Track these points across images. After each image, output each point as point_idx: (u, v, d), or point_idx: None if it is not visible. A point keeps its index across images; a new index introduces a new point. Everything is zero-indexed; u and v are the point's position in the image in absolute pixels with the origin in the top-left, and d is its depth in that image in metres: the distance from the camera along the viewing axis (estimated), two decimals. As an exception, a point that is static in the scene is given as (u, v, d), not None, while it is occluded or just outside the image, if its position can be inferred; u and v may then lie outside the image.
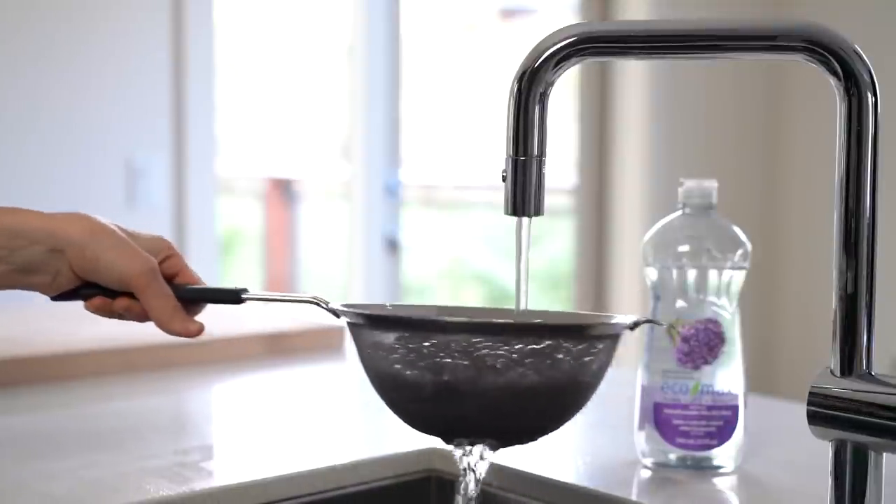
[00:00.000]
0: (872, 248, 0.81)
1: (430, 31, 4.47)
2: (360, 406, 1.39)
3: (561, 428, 0.88)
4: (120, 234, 0.95)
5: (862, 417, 0.80)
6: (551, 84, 0.86)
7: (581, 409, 0.88)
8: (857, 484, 0.82)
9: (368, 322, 0.86)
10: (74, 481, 1.00)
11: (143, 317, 0.97)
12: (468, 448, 0.88)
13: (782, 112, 3.53)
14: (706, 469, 1.05)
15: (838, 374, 0.82)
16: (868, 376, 0.81)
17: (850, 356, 0.82)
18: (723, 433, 1.04)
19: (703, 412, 1.04)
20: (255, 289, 0.99)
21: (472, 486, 0.88)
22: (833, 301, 0.82)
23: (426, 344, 0.82)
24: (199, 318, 0.99)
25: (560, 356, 0.83)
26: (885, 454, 0.82)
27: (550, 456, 1.12)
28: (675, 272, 1.04)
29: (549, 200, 0.89)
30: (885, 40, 3.12)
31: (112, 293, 0.96)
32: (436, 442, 1.12)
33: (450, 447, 0.89)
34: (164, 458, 1.08)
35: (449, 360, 0.82)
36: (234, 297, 0.98)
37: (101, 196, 2.76)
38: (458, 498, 0.89)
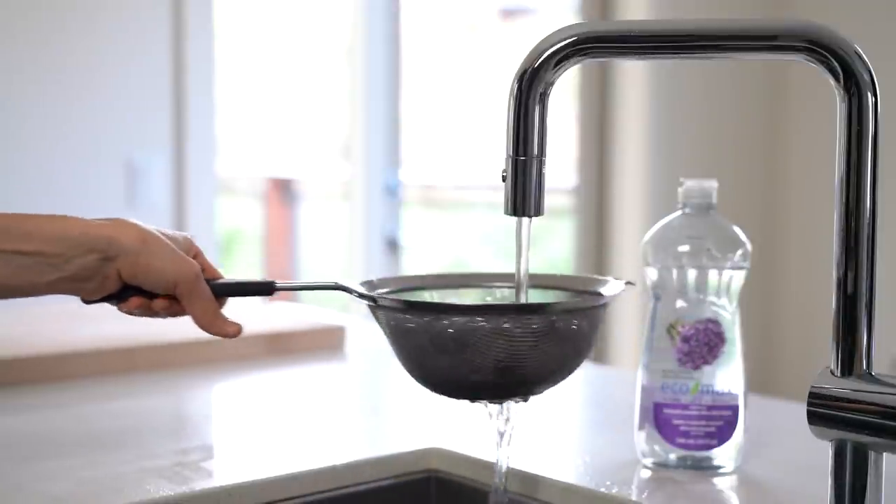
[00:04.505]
0: (872, 248, 0.81)
1: (430, 31, 4.47)
2: (360, 406, 1.39)
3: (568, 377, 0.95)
4: (166, 241, 0.98)
5: (862, 417, 0.80)
6: (551, 84, 0.86)
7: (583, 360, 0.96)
8: (857, 484, 0.82)
9: (397, 306, 0.93)
10: (74, 481, 1.00)
11: (179, 314, 1.00)
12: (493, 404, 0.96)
13: (782, 112, 3.53)
14: (706, 469, 1.05)
15: (838, 374, 0.82)
16: (868, 376, 0.81)
17: (850, 356, 0.82)
18: (723, 433, 1.04)
19: (703, 412, 1.04)
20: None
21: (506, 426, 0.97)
22: (833, 301, 0.82)
23: (448, 323, 0.89)
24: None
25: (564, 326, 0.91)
26: (885, 454, 0.82)
27: (550, 456, 1.12)
28: (675, 272, 1.04)
29: (549, 200, 0.89)
30: (885, 40, 3.12)
31: (150, 294, 0.98)
32: (436, 442, 1.12)
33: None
34: (164, 458, 1.08)
35: (471, 334, 0.89)
36: (266, 288, 1.00)
37: (101, 196, 2.76)
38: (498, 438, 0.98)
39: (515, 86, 0.86)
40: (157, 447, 1.13)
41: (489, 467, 1.07)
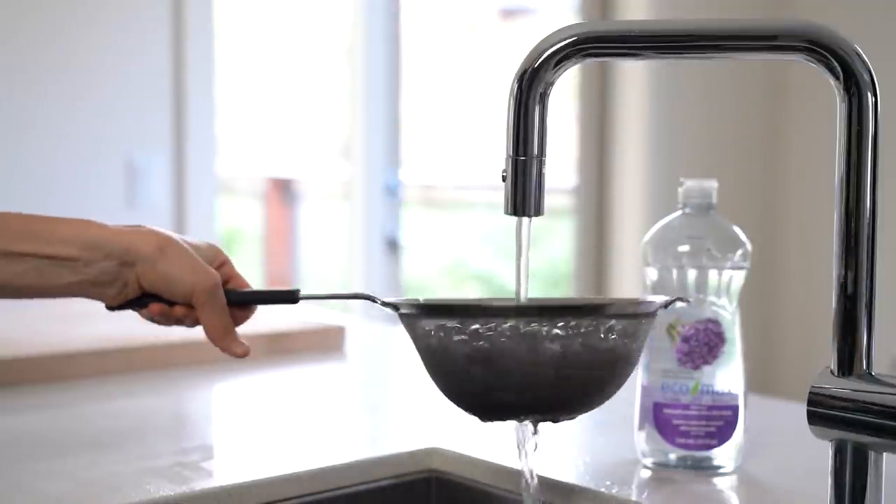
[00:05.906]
0: (872, 248, 0.81)
1: (430, 31, 4.47)
2: (360, 406, 1.39)
3: (603, 402, 0.93)
4: (186, 248, 0.99)
5: (862, 417, 0.80)
6: (551, 84, 0.86)
7: (621, 384, 0.93)
8: (857, 484, 0.82)
9: (424, 312, 0.90)
10: (74, 481, 1.00)
11: (198, 323, 1.02)
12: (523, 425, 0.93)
13: (782, 112, 3.53)
14: (706, 469, 1.05)
15: (838, 374, 0.82)
16: (868, 376, 0.81)
17: (850, 356, 0.82)
18: (723, 433, 1.04)
19: (703, 412, 1.04)
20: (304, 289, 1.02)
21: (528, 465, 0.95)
22: (833, 301, 0.82)
23: (479, 328, 0.87)
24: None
25: (602, 336, 0.88)
26: (885, 454, 0.82)
27: (550, 456, 1.12)
28: (675, 272, 1.04)
29: (549, 200, 0.89)
30: (885, 40, 3.12)
31: (170, 301, 1.00)
32: (436, 442, 1.12)
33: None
34: (164, 458, 1.08)
35: (501, 341, 0.86)
36: (289, 297, 1.01)
37: (101, 196, 2.76)
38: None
39: (515, 86, 0.86)
40: (157, 447, 1.13)
41: (489, 467, 1.07)
